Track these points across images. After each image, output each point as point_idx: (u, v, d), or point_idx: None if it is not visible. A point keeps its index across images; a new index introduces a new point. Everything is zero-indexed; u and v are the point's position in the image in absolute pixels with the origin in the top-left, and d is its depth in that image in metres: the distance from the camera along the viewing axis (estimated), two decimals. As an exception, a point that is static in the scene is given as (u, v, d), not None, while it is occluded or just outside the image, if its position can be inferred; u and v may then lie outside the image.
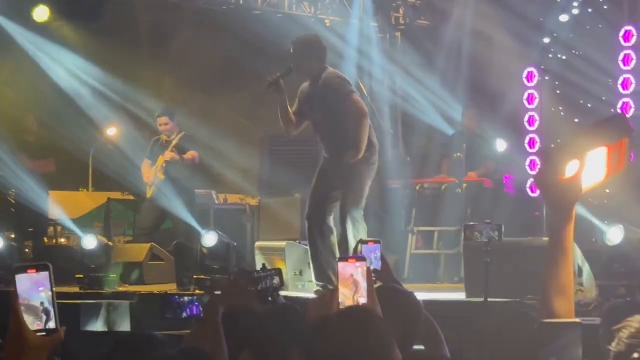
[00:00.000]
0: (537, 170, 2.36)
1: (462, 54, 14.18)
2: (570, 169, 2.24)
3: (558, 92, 13.33)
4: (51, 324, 2.44)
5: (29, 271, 2.44)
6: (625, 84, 12.01)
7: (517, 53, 13.35)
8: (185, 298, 3.74)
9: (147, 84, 14.98)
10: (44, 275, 2.44)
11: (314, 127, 8.71)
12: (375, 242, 5.14)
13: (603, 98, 12.28)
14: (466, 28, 14.18)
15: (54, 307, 2.45)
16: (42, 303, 2.43)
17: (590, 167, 2.29)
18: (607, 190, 12.17)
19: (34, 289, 2.43)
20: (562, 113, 13.21)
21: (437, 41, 14.63)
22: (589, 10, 12.71)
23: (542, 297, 2.35)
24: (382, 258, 4.99)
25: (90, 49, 14.13)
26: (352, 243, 8.21)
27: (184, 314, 3.78)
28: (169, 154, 11.77)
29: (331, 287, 7.73)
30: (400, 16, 15.96)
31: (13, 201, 11.60)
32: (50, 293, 2.44)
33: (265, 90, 8.42)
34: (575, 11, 12.84)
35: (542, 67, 13.24)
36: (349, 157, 8.33)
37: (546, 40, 13.23)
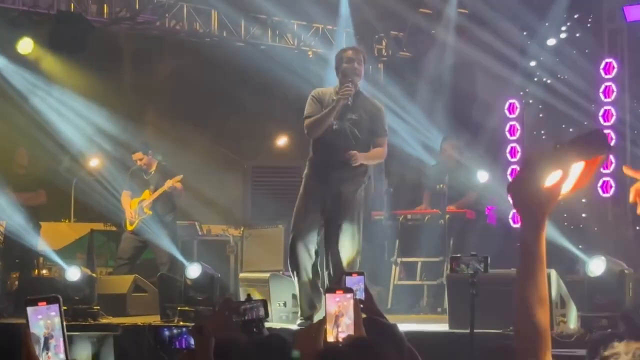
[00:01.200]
0: (515, 176, 2.40)
1: (444, 85, 14.25)
2: (551, 178, 2.27)
3: (541, 115, 13.38)
4: (61, 356, 2.47)
5: (39, 304, 2.47)
6: (606, 116, 12.10)
7: (500, 83, 13.41)
8: (175, 330, 3.75)
9: (131, 115, 14.98)
10: (54, 307, 2.48)
11: (332, 133, 8.45)
12: (359, 274, 5.17)
13: (585, 123, 12.36)
14: (448, 59, 14.27)
15: (64, 338, 2.48)
16: (50, 335, 2.46)
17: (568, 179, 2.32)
18: (584, 215, 12.24)
19: (43, 322, 2.46)
20: (543, 137, 13.26)
21: (419, 72, 14.71)
22: (577, 35, 12.76)
23: (522, 313, 2.36)
24: (366, 290, 5.02)
25: (73, 80, 14.13)
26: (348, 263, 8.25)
27: (174, 346, 3.78)
28: (171, 182, 11.80)
29: (316, 316, 7.79)
30: (382, 48, 16.08)
31: (1, 237, 11.56)
32: (60, 325, 2.47)
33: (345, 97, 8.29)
34: (563, 35, 12.90)
35: (527, 90, 13.29)
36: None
37: (532, 63, 13.26)
